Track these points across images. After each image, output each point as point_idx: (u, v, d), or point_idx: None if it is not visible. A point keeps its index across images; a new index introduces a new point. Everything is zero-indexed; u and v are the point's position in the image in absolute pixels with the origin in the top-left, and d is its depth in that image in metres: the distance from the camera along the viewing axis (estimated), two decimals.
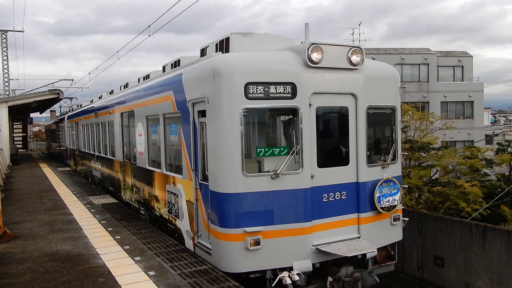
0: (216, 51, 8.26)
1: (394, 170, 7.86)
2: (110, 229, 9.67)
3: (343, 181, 7.29)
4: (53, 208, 12.49)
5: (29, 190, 16.48)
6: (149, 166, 10.25)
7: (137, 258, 7.47)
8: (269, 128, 7.57)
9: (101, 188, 16.51)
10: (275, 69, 6.78)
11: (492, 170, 26.84)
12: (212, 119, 6.82)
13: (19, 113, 36.93)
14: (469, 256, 10.25)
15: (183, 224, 8.18)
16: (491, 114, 78.01)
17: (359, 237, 7.36)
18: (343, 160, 7.46)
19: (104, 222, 10.43)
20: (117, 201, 13.76)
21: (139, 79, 13.77)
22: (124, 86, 15.60)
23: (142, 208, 11.02)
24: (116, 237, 8.90)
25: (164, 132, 9.11)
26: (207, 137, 6.99)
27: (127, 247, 8.20)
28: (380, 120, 7.96)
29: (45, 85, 34.99)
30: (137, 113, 10.98)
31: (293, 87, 6.77)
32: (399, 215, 7.95)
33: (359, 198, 7.38)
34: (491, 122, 68.17)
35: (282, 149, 6.88)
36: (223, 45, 8.25)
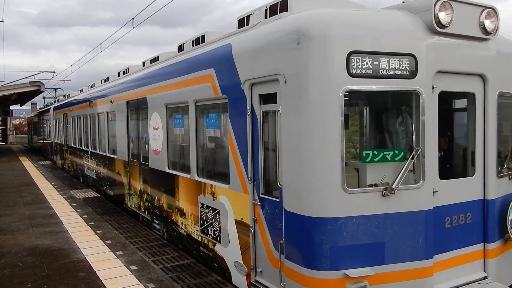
0: (266, 17, 6.03)
1: None
2: (92, 223, 9.49)
3: (468, 198, 5.15)
4: (33, 202, 12.21)
5: (8, 184, 16.00)
6: (169, 168, 7.96)
7: (119, 253, 7.34)
8: (376, 121, 5.38)
9: (96, 190, 14.11)
10: (387, 34, 4.59)
11: None
12: (292, 106, 4.60)
13: None
14: None
15: (229, 253, 5.94)
16: None
17: (485, 277, 5.24)
18: (467, 169, 5.34)
19: (86, 216, 10.20)
20: (98, 195, 13.27)
21: (143, 63, 11.49)
22: (124, 71, 13.26)
23: (157, 222, 8.72)
24: (98, 232, 8.74)
25: (196, 125, 6.84)
26: (282, 132, 4.76)
27: (109, 241, 8.04)
28: (509, 113, 5.82)
29: (26, 77, 32.84)
30: (151, 101, 8.66)
31: (413, 61, 4.58)
32: None
33: (487, 222, 5.25)
34: None
35: (396, 152, 4.68)
36: (277, 10, 5.99)
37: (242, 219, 5.59)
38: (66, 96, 24.64)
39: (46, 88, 32.93)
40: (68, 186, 15.16)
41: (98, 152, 13.50)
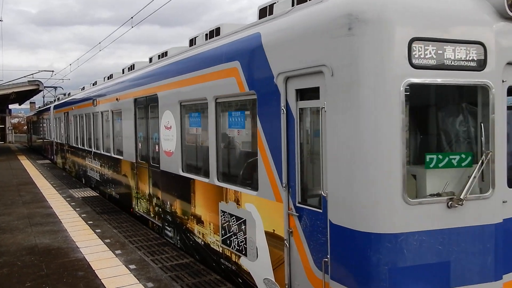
0: (294, 5, 5.37)
1: None
2: (91, 222, 9.41)
3: None
4: (32, 201, 12.11)
5: (7, 182, 15.83)
6: (183, 171, 7.31)
7: (118, 252, 7.30)
8: (437, 121, 4.72)
9: (100, 192, 13.44)
10: (453, 18, 3.94)
11: None
12: (341, 102, 3.94)
13: None
14: None
15: (258, 268, 5.28)
16: None
17: None
18: None
19: (85, 215, 10.12)
20: (97, 194, 13.18)
21: (150, 59, 10.85)
22: (129, 68, 12.59)
23: (169, 228, 8.06)
24: (97, 231, 8.67)
25: (216, 124, 6.18)
26: (327, 133, 4.10)
27: (108, 240, 7.98)
28: None
29: (24, 76, 32.48)
30: (163, 98, 8.01)
31: (482, 50, 3.94)
32: None
33: None
34: None
35: (463, 156, 4.03)
36: None
37: (274, 230, 4.94)
38: (67, 95, 23.97)
39: (45, 87, 32.48)
40: (67, 185, 15.02)
41: (102, 152, 12.84)
